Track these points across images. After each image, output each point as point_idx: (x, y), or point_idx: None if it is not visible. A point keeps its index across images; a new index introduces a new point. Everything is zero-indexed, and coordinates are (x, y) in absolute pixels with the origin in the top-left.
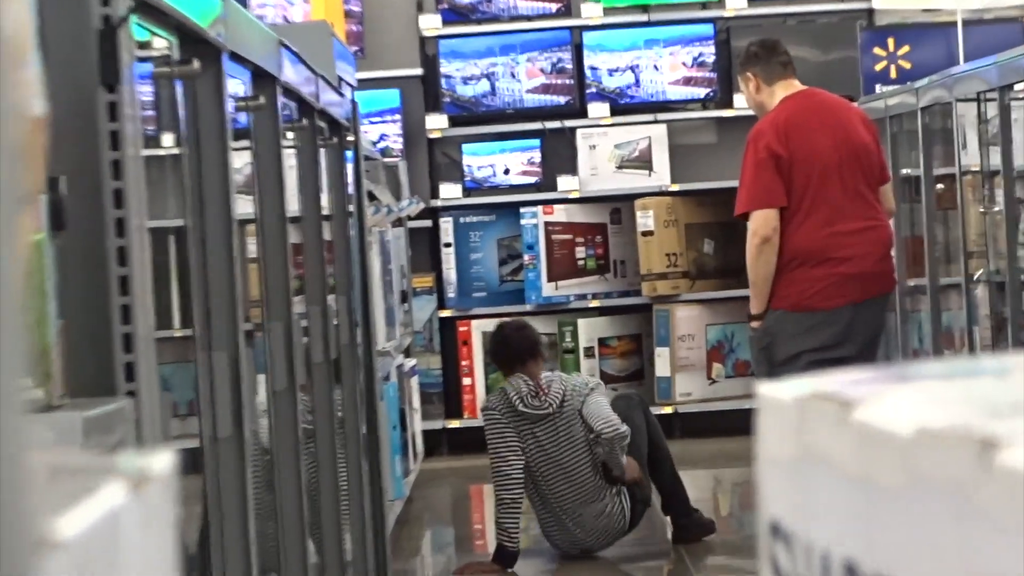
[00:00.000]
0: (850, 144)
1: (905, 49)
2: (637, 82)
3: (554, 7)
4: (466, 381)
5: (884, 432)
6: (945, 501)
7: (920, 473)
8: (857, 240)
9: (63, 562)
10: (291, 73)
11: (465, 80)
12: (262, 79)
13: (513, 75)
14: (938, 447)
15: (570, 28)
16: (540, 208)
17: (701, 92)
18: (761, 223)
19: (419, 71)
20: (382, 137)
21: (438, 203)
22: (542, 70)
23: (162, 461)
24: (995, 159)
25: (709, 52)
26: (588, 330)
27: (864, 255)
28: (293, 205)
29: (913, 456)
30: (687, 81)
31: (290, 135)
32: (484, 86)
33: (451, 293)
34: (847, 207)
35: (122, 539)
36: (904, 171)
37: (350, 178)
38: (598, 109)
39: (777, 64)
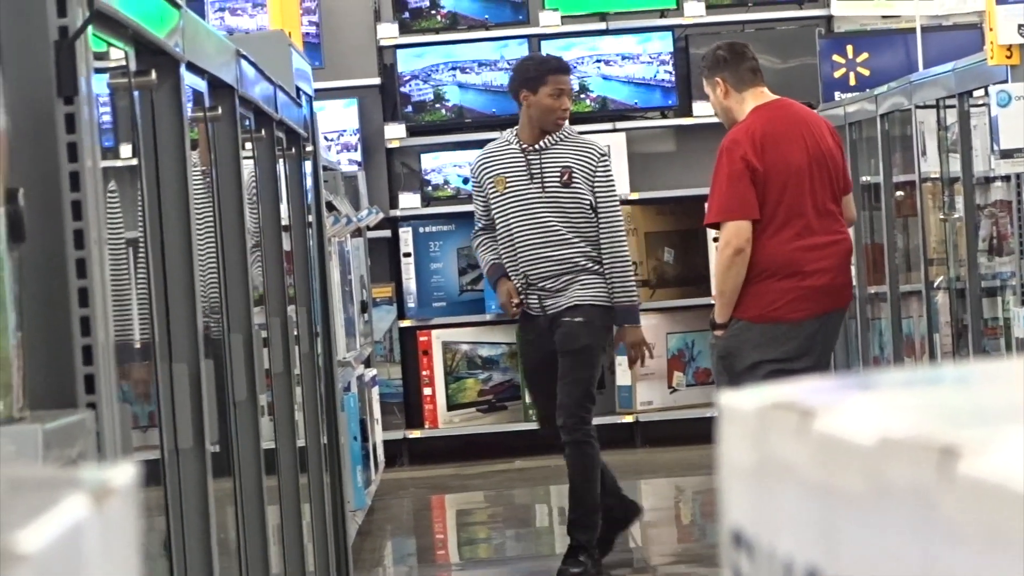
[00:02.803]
0: (820, 158)
1: (864, 56)
2: (595, 90)
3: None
4: (427, 391)
5: (845, 441)
6: (907, 510)
7: (881, 482)
8: (823, 254)
9: None
10: (249, 83)
11: (423, 89)
12: (220, 89)
13: (472, 84)
14: (899, 456)
15: (528, 36)
16: None
17: (659, 100)
18: (734, 234)
19: (377, 80)
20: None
21: (397, 213)
22: (501, 80)
23: (124, 474)
24: (955, 166)
25: (668, 60)
26: None
27: (829, 268)
28: (252, 216)
29: (874, 465)
30: (645, 90)
31: (248, 145)
32: (442, 95)
33: (411, 303)
34: (815, 221)
35: (84, 552)
36: (864, 178)
37: (309, 188)
38: None
39: (747, 70)
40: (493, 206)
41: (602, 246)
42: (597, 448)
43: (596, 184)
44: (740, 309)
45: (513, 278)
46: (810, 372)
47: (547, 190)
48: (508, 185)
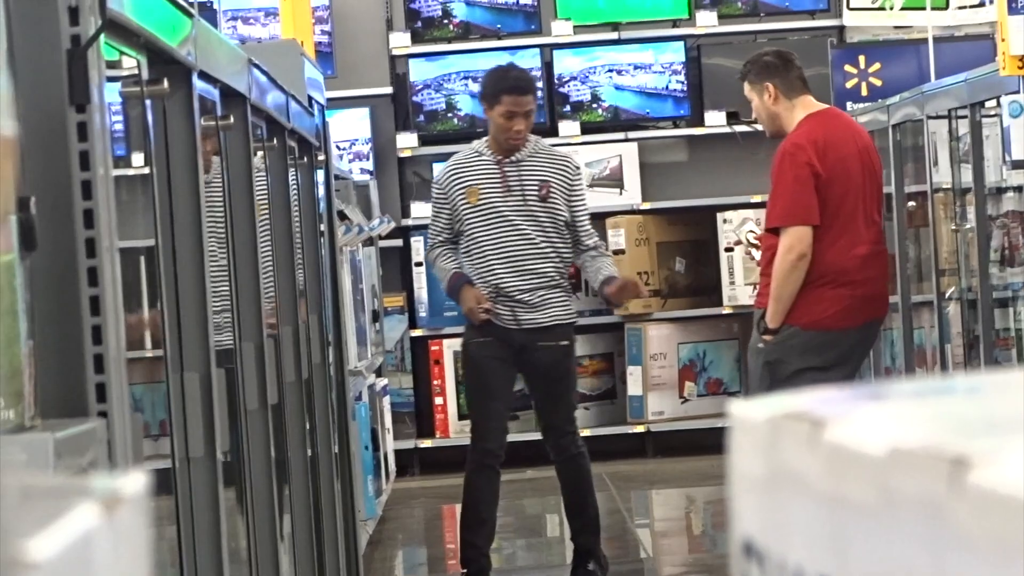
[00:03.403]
0: (871, 168)
1: (876, 66)
2: (607, 100)
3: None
4: (438, 400)
5: (856, 451)
6: (917, 520)
7: (892, 492)
8: (870, 263)
9: None
10: (261, 92)
11: (435, 99)
12: (232, 98)
13: None
14: (910, 466)
15: (540, 46)
16: None
17: (672, 110)
18: (797, 239)
19: (389, 90)
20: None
21: (409, 222)
22: None
23: (134, 482)
24: (966, 176)
25: (680, 70)
26: None
27: (875, 278)
28: (264, 225)
29: (885, 475)
30: (657, 99)
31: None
32: (454, 104)
33: (422, 312)
34: (864, 230)
35: (96, 560)
36: None
37: (321, 197)
38: (569, 127)
39: (797, 78)
40: (464, 217)
41: (590, 252)
42: (588, 456)
43: (572, 199)
44: (792, 315)
45: (481, 288)
46: (846, 380)
47: (526, 202)
48: (481, 197)
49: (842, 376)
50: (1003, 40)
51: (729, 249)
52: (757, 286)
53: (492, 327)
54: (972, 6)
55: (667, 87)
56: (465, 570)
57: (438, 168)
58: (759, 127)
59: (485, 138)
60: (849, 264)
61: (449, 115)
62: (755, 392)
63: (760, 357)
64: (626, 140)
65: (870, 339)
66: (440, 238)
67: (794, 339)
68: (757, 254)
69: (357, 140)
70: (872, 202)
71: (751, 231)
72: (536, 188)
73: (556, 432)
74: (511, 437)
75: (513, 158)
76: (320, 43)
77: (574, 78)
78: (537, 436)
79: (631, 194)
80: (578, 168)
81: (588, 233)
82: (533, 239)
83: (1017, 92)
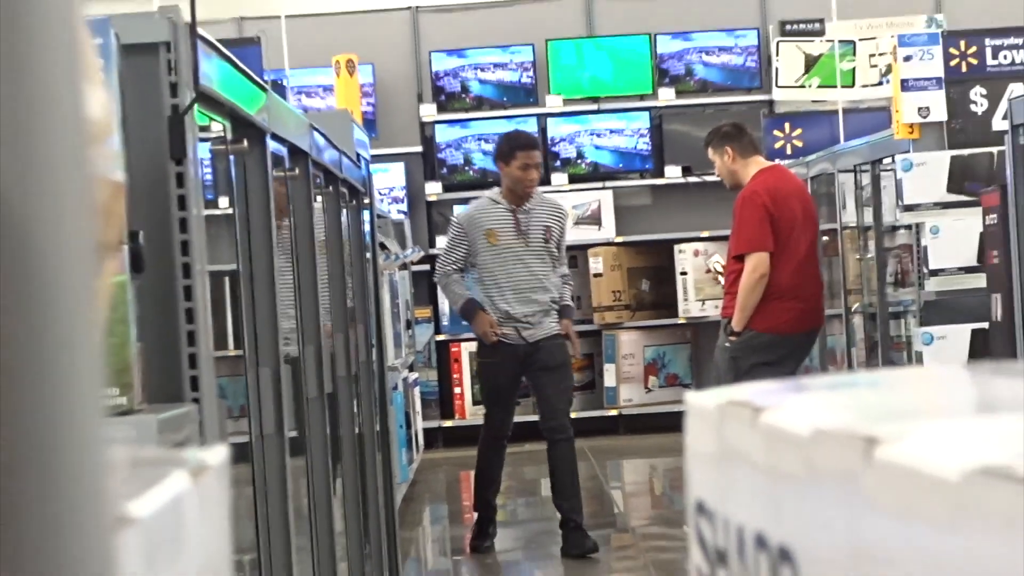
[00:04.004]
0: (807, 210)
1: (798, 131)
2: (588, 157)
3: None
4: (457, 390)
5: (787, 432)
6: (836, 487)
7: (815, 465)
8: (811, 283)
9: (137, 537)
10: (320, 150)
11: (455, 156)
12: (297, 155)
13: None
14: (830, 444)
15: (537, 115)
16: None
17: (639, 165)
18: (760, 262)
19: (419, 148)
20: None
21: (435, 251)
22: None
23: (218, 454)
24: (868, 217)
25: (646, 134)
26: None
27: (816, 295)
28: (322, 253)
29: (810, 451)
30: (628, 156)
31: (319, 198)
32: (470, 160)
33: (445, 322)
34: (804, 257)
35: (185, 517)
36: None
37: (366, 232)
38: (559, 178)
39: (749, 143)
40: (481, 254)
41: (564, 278)
42: (574, 443)
43: (561, 239)
44: (753, 321)
45: (491, 312)
46: (791, 373)
47: (531, 245)
48: (500, 239)
49: (788, 370)
50: (897, 111)
51: (684, 273)
52: (722, 301)
53: (502, 345)
54: (873, 84)
55: (636, 147)
56: (478, 515)
57: (459, 210)
58: (708, 179)
59: (497, 189)
60: (795, 282)
61: (466, 168)
62: (723, 381)
63: (726, 354)
64: (603, 188)
65: (812, 342)
66: (453, 267)
67: (754, 340)
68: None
69: (394, 188)
70: (809, 234)
71: (718, 261)
72: (542, 232)
73: (559, 414)
74: (515, 418)
75: (524, 207)
76: (367, 112)
77: (563, 139)
78: (534, 418)
79: (607, 230)
80: (566, 215)
81: (564, 265)
82: (538, 274)
83: (908, 152)
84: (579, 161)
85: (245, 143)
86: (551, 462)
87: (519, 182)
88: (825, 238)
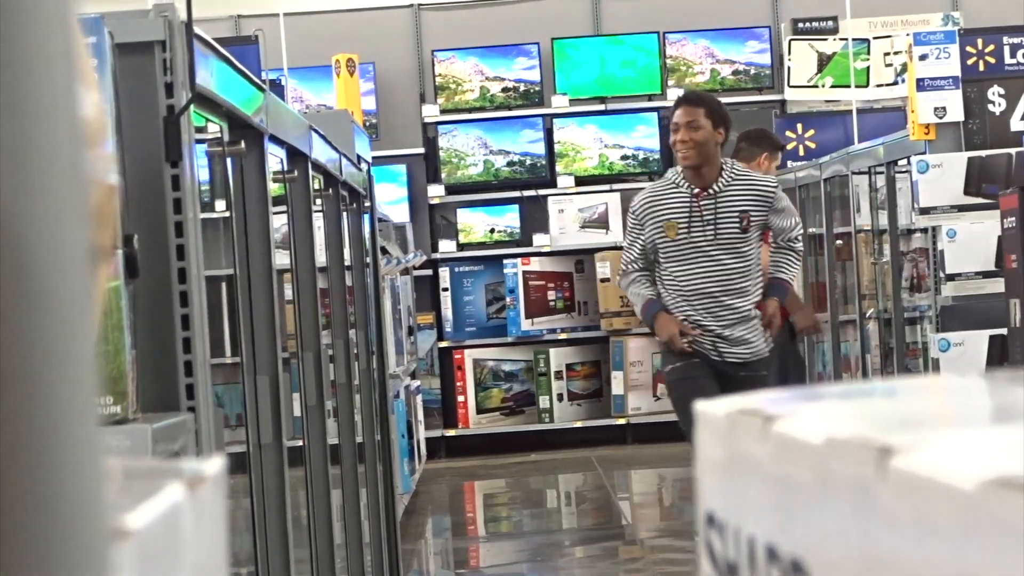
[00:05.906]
0: None
1: (811, 132)
2: (596, 158)
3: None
4: (460, 398)
5: (799, 441)
6: (848, 497)
7: (828, 474)
8: None
9: (132, 549)
10: (319, 152)
11: (459, 157)
12: (296, 157)
13: (497, 153)
14: (843, 453)
15: (542, 116)
16: (519, 260)
17: (647, 167)
18: None
19: (422, 150)
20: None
21: (437, 256)
22: (521, 150)
23: (215, 464)
24: (883, 220)
25: (653, 136)
26: (557, 357)
27: None
28: (321, 258)
29: (822, 461)
30: (635, 158)
31: (319, 201)
32: (474, 162)
33: (448, 328)
34: None
35: (181, 529)
36: (811, 230)
37: (367, 235)
38: (565, 180)
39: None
40: (661, 250)
41: (788, 243)
42: None
43: (771, 215)
44: None
45: (679, 317)
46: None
47: (720, 238)
48: (679, 232)
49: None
50: (912, 112)
51: None
52: None
53: (695, 354)
54: (888, 84)
55: (644, 148)
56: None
57: (634, 198)
58: None
59: (680, 167)
60: None
61: (470, 170)
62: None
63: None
64: (611, 191)
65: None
66: (635, 266)
67: None
68: None
69: (395, 188)
70: None
71: None
72: (736, 220)
73: None
74: (520, 427)
75: (711, 191)
76: (367, 112)
77: (570, 140)
78: (541, 427)
79: (615, 234)
80: (776, 188)
81: (786, 224)
82: (732, 277)
83: (924, 153)
84: (586, 163)
85: (243, 144)
86: None
87: (674, 147)
88: (839, 242)
